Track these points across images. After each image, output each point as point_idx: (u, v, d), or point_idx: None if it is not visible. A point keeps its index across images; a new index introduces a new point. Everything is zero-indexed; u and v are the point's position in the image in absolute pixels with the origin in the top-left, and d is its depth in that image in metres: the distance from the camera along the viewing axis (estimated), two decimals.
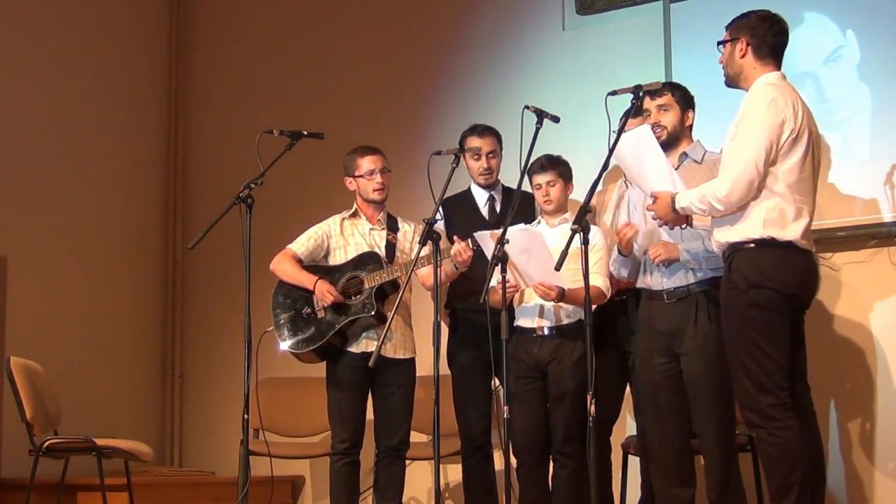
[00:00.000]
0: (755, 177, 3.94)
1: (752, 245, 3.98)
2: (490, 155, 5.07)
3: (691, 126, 4.55)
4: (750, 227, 3.98)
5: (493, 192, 5.13)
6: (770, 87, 4.02)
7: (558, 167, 4.78)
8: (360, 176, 5.07)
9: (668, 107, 4.49)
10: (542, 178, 4.76)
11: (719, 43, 4.18)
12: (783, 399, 3.93)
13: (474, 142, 5.08)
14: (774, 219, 3.96)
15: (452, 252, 4.65)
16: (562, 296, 4.52)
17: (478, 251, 4.67)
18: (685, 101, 4.52)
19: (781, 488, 3.92)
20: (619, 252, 4.49)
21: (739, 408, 4.10)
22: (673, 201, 4.09)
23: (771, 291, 3.94)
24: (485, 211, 5.12)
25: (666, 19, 5.65)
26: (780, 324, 3.97)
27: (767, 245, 3.97)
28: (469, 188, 5.18)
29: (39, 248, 6.51)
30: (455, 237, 4.72)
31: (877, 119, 5.13)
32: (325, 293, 4.92)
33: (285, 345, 5.02)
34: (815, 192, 4.06)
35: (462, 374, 5.02)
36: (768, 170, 3.95)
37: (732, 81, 4.18)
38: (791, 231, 3.96)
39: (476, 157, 5.06)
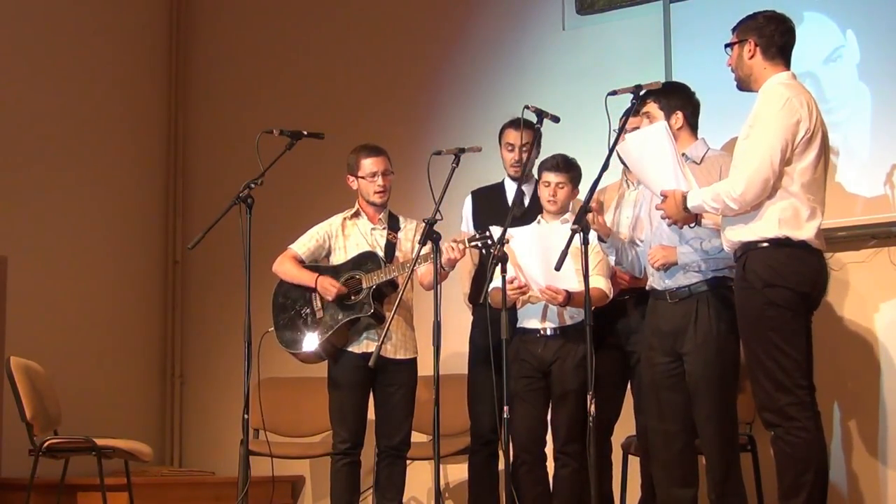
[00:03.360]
0: (771, 176, 3.93)
1: (767, 244, 3.98)
2: (523, 149, 5.07)
3: (687, 126, 4.47)
4: (765, 227, 3.98)
5: (522, 187, 5.13)
6: (784, 87, 4.02)
7: (572, 171, 4.79)
8: (363, 177, 5.07)
9: (650, 115, 4.46)
10: (553, 178, 4.76)
11: (727, 45, 4.18)
12: (802, 398, 3.93)
13: (510, 135, 5.09)
14: (789, 218, 3.96)
15: (444, 250, 4.64)
16: (568, 300, 4.53)
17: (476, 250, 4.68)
18: (670, 105, 4.46)
19: (792, 487, 3.92)
20: (599, 238, 4.47)
21: (757, 409, 4.09)
22: (684, 200, 4.09)
23: (786, 290, 3.94)
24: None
25: (666, 19, 5.65)
26: (797, 322, 3.97)
27: (782, 244, 3.97)
28: (503, 181, 5.18)
29: (39, 248, 6.51)
30: (451, 240, 4.71)
31: (877, 119, 5.13)
32: (327, 287, 4.92)
33: (286, 346, 5.03)
34: (825, 191, 4.06)
35: (478, 368, 4.99)
36: (783, 169, 3.95)
37: (743, 84, 4.18)
38: (806, 231, 3.97)
39: (510, 149, 5.07)
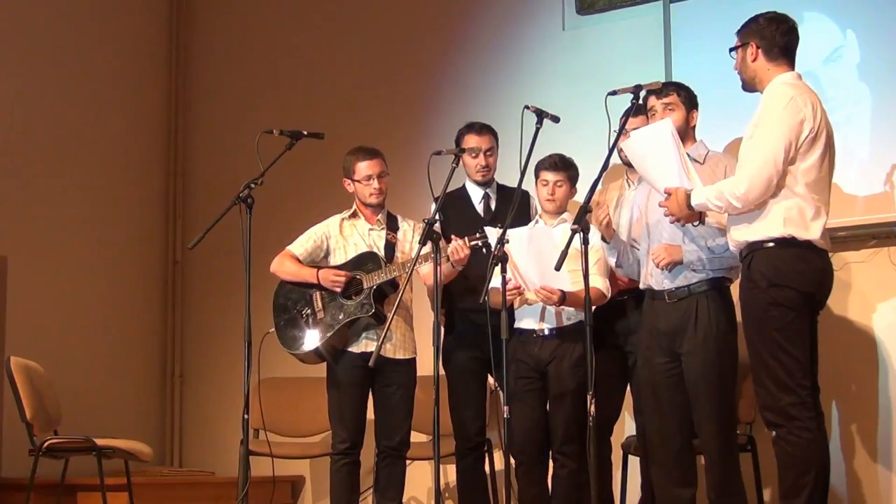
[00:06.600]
0: (774, 175, 3.94)
1: (772, 244, 3.99)
2: (488, 153, 5.08)
3: (695, 126, 4.54)
4: (770, 226, 3.98)
5: (488, 190, 5.14)
6: (788, 87, 4.03)
7: (570, 170, 4.80)
8: (358, 180, 5.06)
9: (673, 106, 4.46)
10: (551, 176, 4.77)
11: (731, 49, 4.20)
12: (804, 398, 3.94)
13: (472, 140, 5.08)
14: (794, 217, 3.96)
15: (449, 250, 4.65)
16: (563, 300, 4.52)
17: (474, 249, 4.67)
18: (690, 101, 4.50)
19: (792, 487, 3.93)
20: (602, 238, 4.49)
21: (759, 408, 4.10)
22: (688, 198, 4.09)
23: (791, 290, 3.95)
24: (480, 208, 5.13)
25: (666, 19, 5.65)
26: (801, 322, 3.98)
27: (787, 244, 3.97)
28: (464, 186, 5.18)
29: (39, 248, 6.51)
30: (453, 236, 4.71)
31: (877, 119, 5.13)
32: (333, 279, 4.91)
33: (287, 346, 5.03)
34: (829, 191, 4.06)
35: (457, 374, 5.01)
36: (787, 168, 3.96)
37: (749, 86, 4.19)
38: (811, 231, 3.98)
39: (474, 154, 5.05)
